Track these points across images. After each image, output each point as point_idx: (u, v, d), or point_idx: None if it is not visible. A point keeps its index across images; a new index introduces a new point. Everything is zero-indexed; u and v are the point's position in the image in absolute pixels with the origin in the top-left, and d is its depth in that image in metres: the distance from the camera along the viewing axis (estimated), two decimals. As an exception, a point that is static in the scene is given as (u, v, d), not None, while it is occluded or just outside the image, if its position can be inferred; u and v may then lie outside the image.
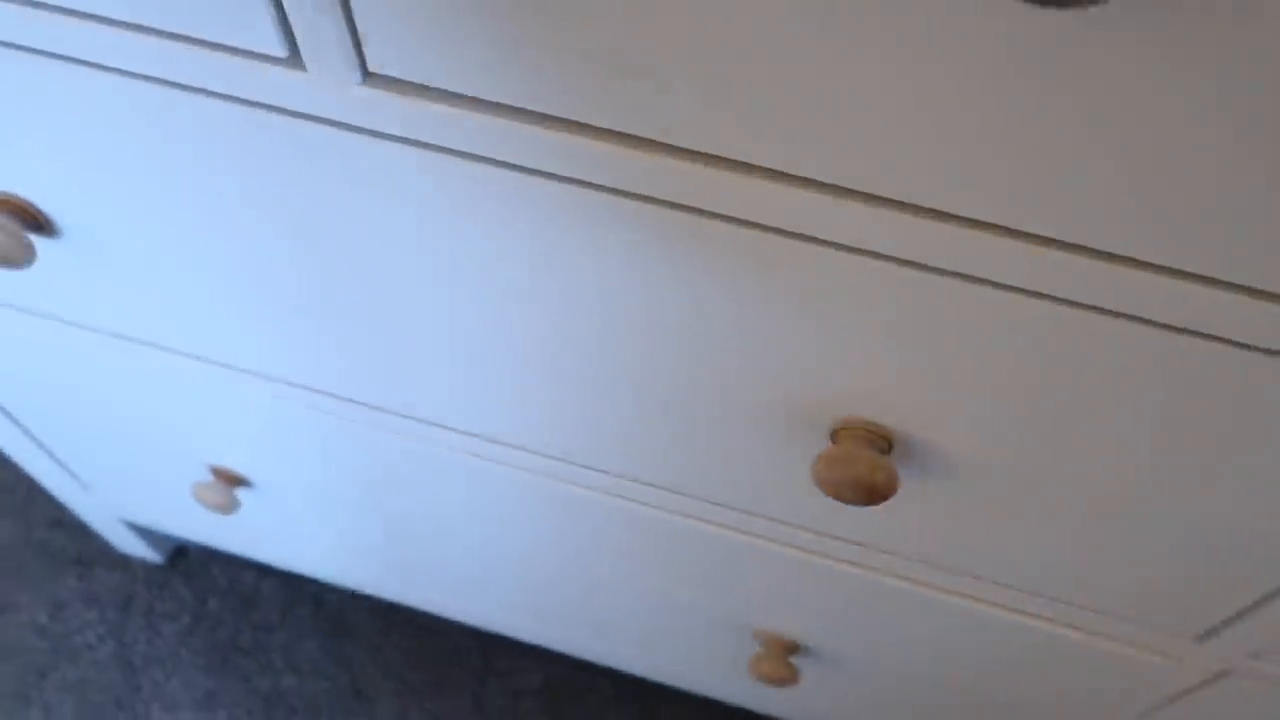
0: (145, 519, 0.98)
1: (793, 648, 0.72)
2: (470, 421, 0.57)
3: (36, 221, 0.50)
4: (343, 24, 0.34)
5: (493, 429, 0.57)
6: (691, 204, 0.36)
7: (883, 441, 0.46)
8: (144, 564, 1.11)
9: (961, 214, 0.33)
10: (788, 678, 0.70)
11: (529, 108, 0.35)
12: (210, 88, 0.38)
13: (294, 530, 0.89)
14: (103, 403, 0.73)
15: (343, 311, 0.51)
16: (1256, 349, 0.35)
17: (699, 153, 0.34)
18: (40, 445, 0.88)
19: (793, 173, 0.33)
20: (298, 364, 0.57)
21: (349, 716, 1.03)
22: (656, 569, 0.69)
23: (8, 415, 0.83)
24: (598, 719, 1.03)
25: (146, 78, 0.39)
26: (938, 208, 0.33)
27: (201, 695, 1.04)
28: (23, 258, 0.49)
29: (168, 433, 0.74)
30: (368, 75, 0.36)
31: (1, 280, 0.59)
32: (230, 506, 0.77)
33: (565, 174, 0.37)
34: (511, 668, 1.06)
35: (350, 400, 0.60)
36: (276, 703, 1.03)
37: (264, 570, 1.11)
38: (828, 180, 0.33)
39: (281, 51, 0.35)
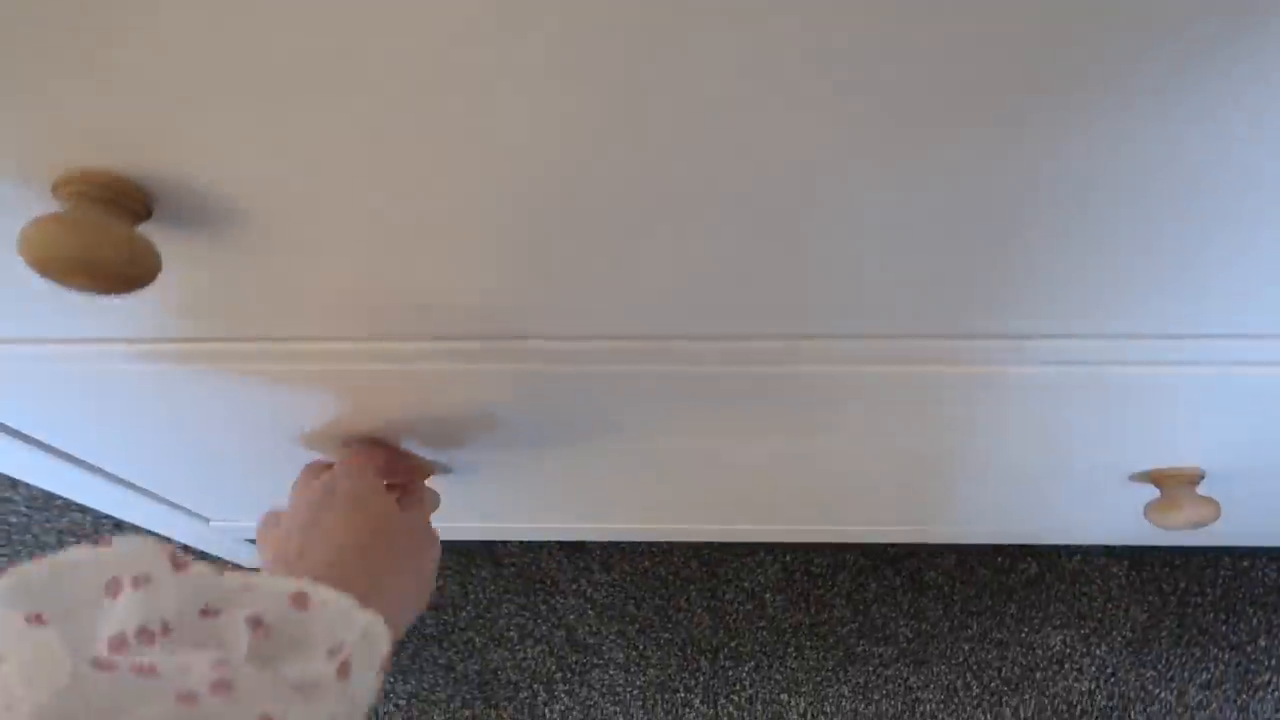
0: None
1: (1195, 478, 0.57)
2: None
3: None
4: None
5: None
6: None
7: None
8: (280, 575, 0.94)
9: None
10: (1211, 514, 0.55)
11: None
12: None
13: (464, 498, 0.72)
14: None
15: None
16: None
17: None
18: (156, 497, 0.69)
19: None
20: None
21: (581, 673, 0.89)
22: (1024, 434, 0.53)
23: (107, 476, 0.63)
24: (860, 594, 0.89)
25: None
26: None
27: (405, 701, 0.89)
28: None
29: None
30: None
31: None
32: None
33: None
34: (740, 570, 0.91)
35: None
36: (492, 682, 0.89)
37: (419, 543, 0.94)
38: None
39: None
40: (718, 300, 0.38)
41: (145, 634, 0.31)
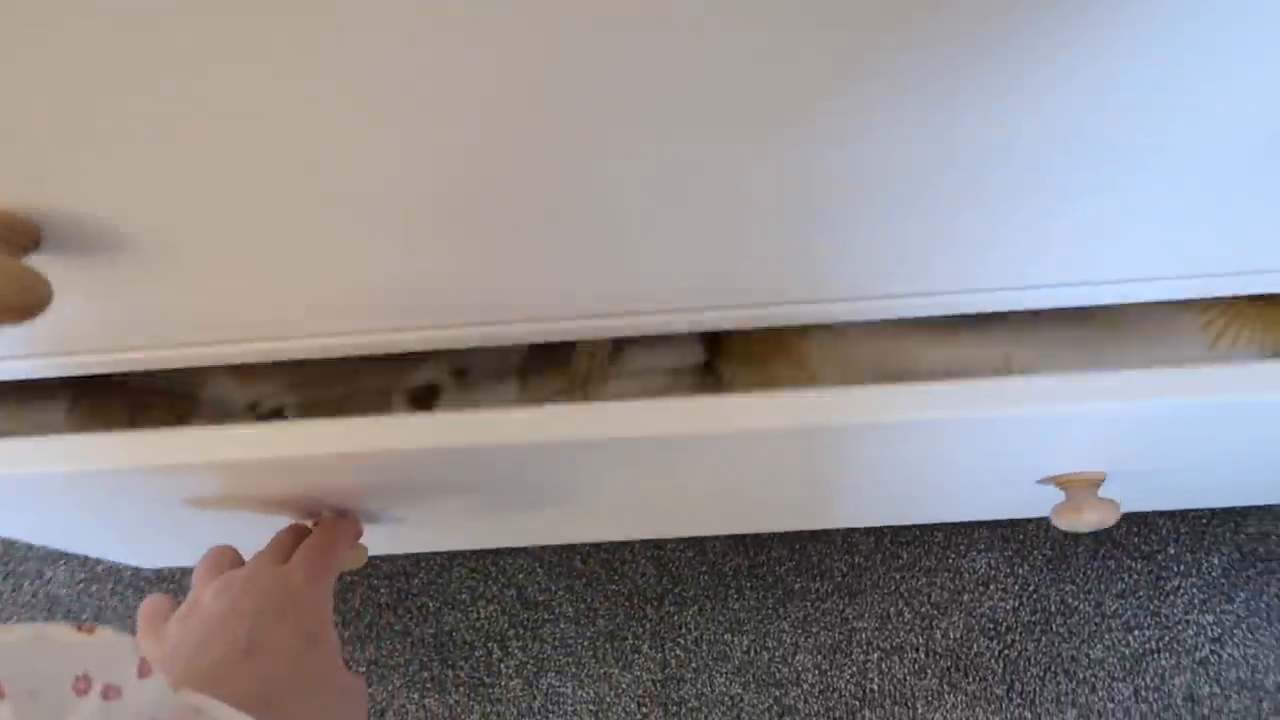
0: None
1: (1097, 481, 0.59)
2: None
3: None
4: None
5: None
6: None
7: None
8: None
9: None
10: (1110, 516, 0.57)
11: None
12: None
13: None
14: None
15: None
16: None
17: None
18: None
19: None
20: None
21: (534, 628, 0.93)
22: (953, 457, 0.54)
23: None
24: (796, 534, 0.93)
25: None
26: None
27: (365, 668, 0.93)
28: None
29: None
30: None
31: None
32: (362, 559, 0.60)
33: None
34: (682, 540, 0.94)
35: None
36: (448, 643, 0.93)
37: (364, 513, 0.96)
38: None
39: None
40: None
41: None
